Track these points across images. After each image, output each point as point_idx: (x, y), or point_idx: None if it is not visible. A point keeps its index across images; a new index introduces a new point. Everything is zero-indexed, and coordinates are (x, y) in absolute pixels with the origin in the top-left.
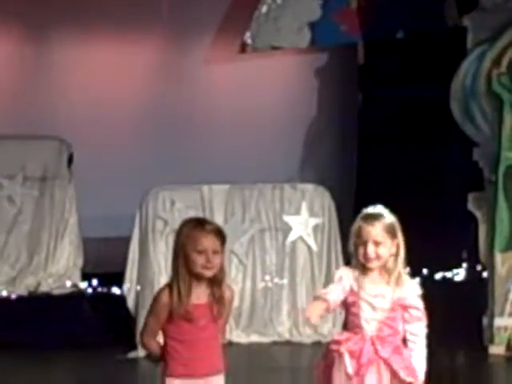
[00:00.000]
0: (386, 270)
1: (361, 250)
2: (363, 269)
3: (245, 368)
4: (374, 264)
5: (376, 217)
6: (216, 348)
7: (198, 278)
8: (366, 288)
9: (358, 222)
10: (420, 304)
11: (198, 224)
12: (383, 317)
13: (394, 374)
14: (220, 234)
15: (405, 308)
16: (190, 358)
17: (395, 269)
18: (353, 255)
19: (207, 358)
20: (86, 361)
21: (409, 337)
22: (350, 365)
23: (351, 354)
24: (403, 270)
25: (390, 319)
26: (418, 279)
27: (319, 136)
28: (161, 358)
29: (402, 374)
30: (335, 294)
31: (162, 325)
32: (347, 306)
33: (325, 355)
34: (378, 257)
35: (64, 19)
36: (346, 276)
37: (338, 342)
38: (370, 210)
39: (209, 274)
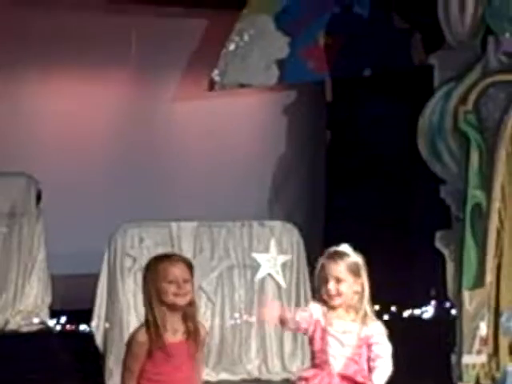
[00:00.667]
0: (351, 307)
1: (323, 287)
2: (329, 306)
3: None
4: (336, 301)
5: (339, 255)
6: None
7: (172, 308)
8: (334, 324)
9: (321, 260)
10: (386, 342)
11: (165, 257)
12: (350, 353)
13: None
14: (188, 264)
15: (370, 346)
16: None
17: (361, 307)
18: (317, 291)
19: None
20: None
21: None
22: None
23: None
24: (370, 309)
25: (357, 355)
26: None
27: (288, 173)
28: None
29: None
30: (300, 314)
31: (141, 365)
32: (314, 342)
33: None
34: (338, 293)
35: (31, 57)
36: (314, 308)
37: (304, 379)
38: (335, 248)
39: (181, 301)
